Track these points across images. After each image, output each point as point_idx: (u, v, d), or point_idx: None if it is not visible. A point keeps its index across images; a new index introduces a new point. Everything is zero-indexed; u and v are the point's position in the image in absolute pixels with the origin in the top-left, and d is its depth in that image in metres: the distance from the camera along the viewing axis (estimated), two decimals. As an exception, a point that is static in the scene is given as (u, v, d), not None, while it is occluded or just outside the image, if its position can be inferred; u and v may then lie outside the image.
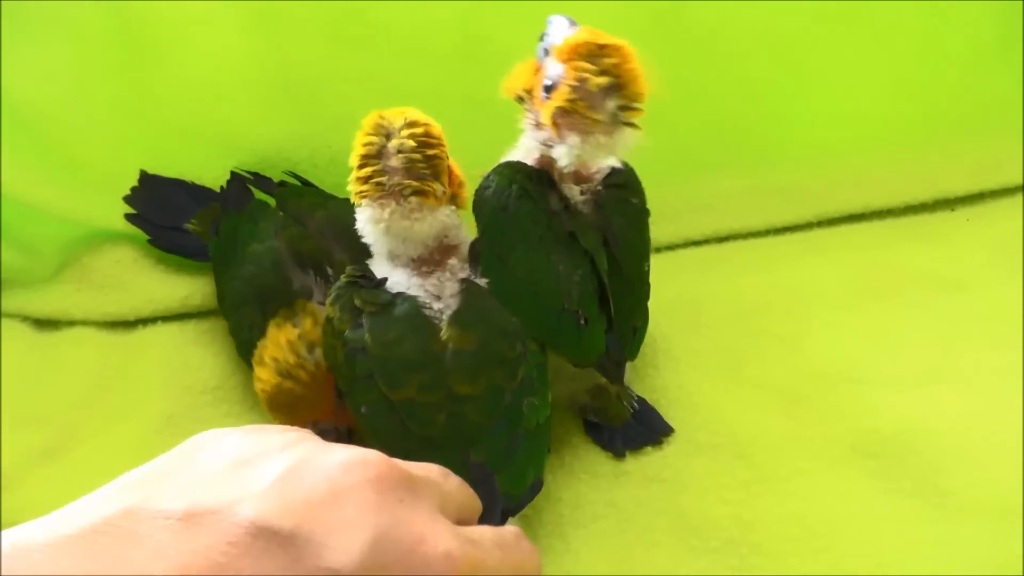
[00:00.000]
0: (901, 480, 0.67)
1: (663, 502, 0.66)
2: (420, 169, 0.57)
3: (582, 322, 0.63)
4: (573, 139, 0.59)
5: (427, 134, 0.58)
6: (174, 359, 0.79)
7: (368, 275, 0.62)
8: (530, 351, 0.61)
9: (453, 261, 0.62)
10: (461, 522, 0.37)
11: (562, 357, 0.66)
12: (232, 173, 0.82)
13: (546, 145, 0.61)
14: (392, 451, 0.58)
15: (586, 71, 0.56)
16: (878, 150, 0.91)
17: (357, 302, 0.59)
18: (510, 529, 0.39)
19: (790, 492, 0.66)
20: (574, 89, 0.56)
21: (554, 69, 0.58)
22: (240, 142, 0.82)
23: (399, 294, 0.60)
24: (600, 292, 0.64)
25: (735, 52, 0.86)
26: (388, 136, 0.58)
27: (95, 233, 0.83)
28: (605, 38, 0.57)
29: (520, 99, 0.62)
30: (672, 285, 0.83)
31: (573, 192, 0.64)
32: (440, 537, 0.34)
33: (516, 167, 0.63)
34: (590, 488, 0.68)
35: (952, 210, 0.91)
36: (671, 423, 0.71)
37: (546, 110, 0.58)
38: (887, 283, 0.82)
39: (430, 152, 0.58)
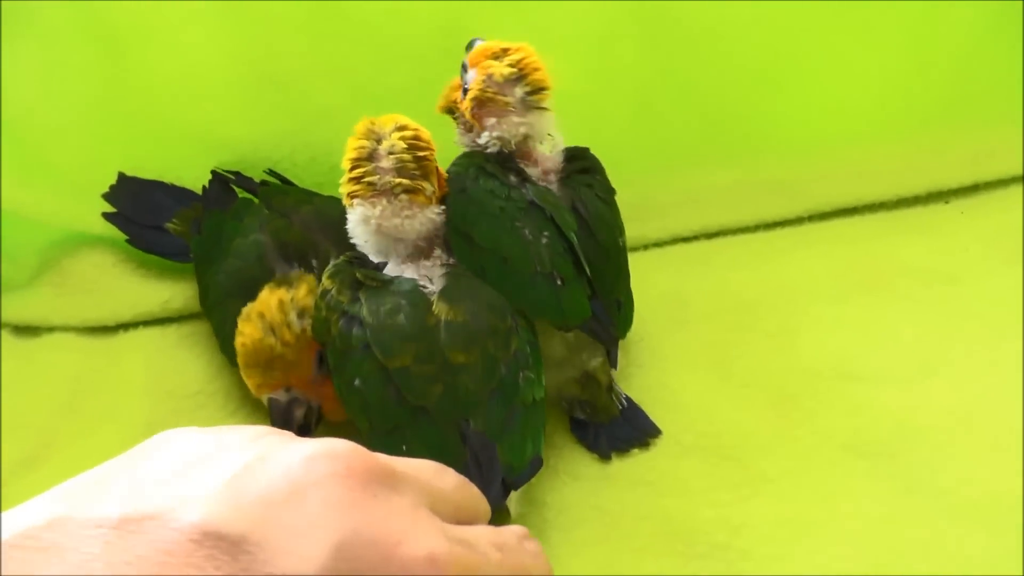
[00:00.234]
0: (894, 480, 0.65)
1: (649, 506, 0.65)
2: (410, 169, 0.61)
3: (558, 283, 0.65)
4: (491, 121, 0.66)
5: (417, 137, 0.61)
6: (155, 364, 0.78)
7: (364, 259, 0.64)
8: (523, 328, 0.63)
9: (438, 251, 0.65)
10: (460, 523, 0.34)
11: (547, 321, 0.66)
12: (213, 173, 0.81)
13: (475, 143, 0.67)
14: (386, 423, 0.59)
15: (492, 67, 0.65)
16: (870, 141, 0.89)
17: (358, 275, 0.61)
18: (513, 529, 0.36)
19: (780, 494, 0.65)
20: (483, 81, 0.65)
21: (469, 75, 0.67)
22: (218, 141, 0.81)
23: (397, 276, 0.62)
24: (573, 256, 0.65)
25: (722, 41, 0.85)
26: (379, 140, 0.61)
27: (73, 236, 0.83)
28: (507, 43, 0.66)
29: (449, 111, 0.70)
30: (659, 282, 0.81)
31: (536, 172, 0.68)
32: (422, 537, 0.31)
33: (471, 155, 0.68)
34: (574, 491, 0.66)
35: (946, 202, 0.89)
36: (658, 424, 0.70)
37: (465, 105, 0.66)
38: (879, 277, 0.81)
39: (420, 154, 0.61)
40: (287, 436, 0.33)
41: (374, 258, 0.64)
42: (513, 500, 0.63)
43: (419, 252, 0.63)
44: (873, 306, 0.78)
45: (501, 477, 0.59)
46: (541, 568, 0.35)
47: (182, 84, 0.80)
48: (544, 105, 0.66)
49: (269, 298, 0.65)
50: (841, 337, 0.76)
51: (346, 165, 0.62)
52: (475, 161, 0.67)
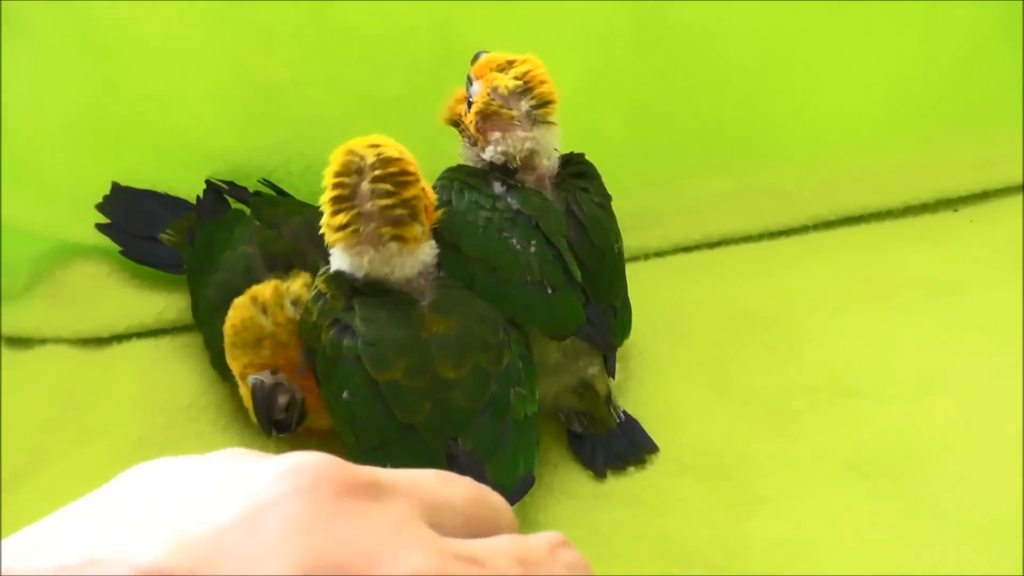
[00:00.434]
0: (896, 500, 0.64)
1: (645, 525, 0.63)
2: (397, 214, 0.56)
3: (549, 291, 0.63)
4: (495, 136, 0.64)
5: (402, 171, 0.56)
6: (147, 377, 0.77)
7: None
8: (514, 340, 0.61)
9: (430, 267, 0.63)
10: (474, 536, 0.30)
11: (539, 330, 0.65)
12: (207, 182, 0.80)
13: (480, 157, 0.66)
14: (373, 439, 0.58)
15: (497, 79, 0.63)
16: (875, 147, 0.87)
17: (355, 283, 0.59)
18: (544, 537, 0.31)
19: (778, 514, 0.63)
20: (488, 94, 0.64)
21: (474, 87, 0.65)
22: (212, 151, 0.80)
23: (392, 288, 0.60)
24: (563, 264, 0.64)
25: (723, 47, 0.83)
26: (360, 173, 0.56)
27: (67, 247, 0.82)
28: (513, 55, 0.64)
29: (454, 124, 0.68)
30: (659, 293, 0.80)
31: (530, 178, 0.67)
32: (406, 555, 0.26)
33: (455, 168, 0.67)
34: (569, 510, 0.65)
35: (955, 211, 0.87)
36: (655, 439, 0.68)
37: (470, 118, 0.65)
38: (884, 288, 0.79)
39: (407, 194, 0.56)
40: (257, 456, 0.30)
41: None
42: (505, 519, 0.62)
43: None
44: (877, 318, 0.77)
45: None
46: None
47: (176, 93, 0.79)
48: (551, 119, 0.65)
49: (264, 286, 0.64)
50: (843, 351, 0.74)
51: (326, 205, 0.57)
52: (458, 175, 0.65)
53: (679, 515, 0.64)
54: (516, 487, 0.59)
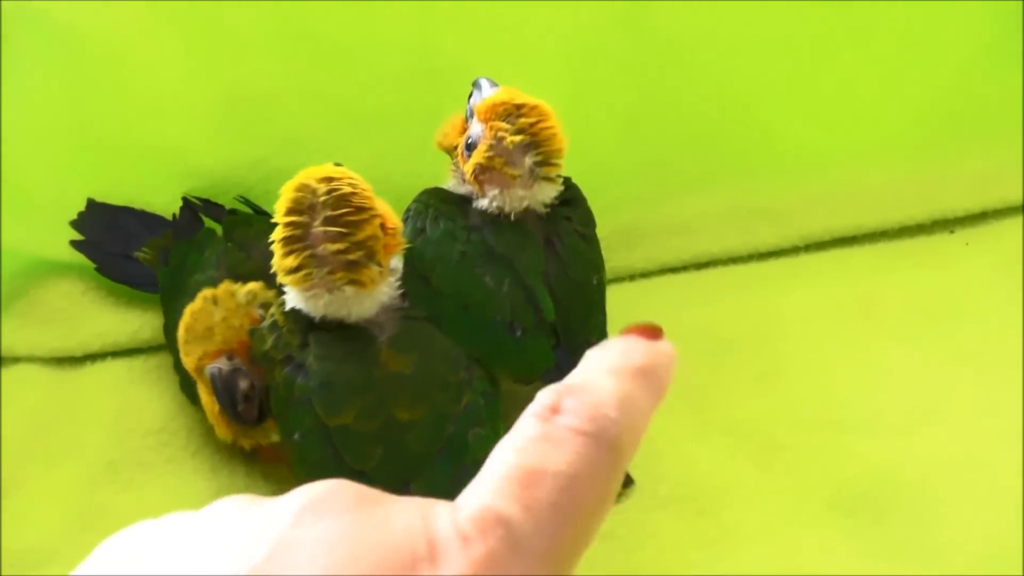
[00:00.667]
0: (881, 541, 0.62)
1: (619, 562, 0.62)
2: (352, 258, 0.53)
3: (518, 333, 0.61)
4: (493, 192, 0.61)
5: (357, 209, 0.53)
6: (119, 399, 0.76)
7: None
8: (477, 378, 0.59)
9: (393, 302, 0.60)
10: None
11: (504, 372, 0.63)
12: (184, 200, 0.78)
13: (471, 196, 0.63)
14: None
15: (502, 130, 0.59)
16: (870, 165, 0.85)
17: (312, 319, 0.56)
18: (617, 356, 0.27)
19: (757, 553, 0.62)
20: (491, 147, 0.59)
21: (475, 128, 0.61)
22: (191, 166, 0.79)
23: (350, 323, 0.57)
24: (535, 305, 0.61)
25: (715, 61, 0.81)
26: (312, 210, 0.52)
27: (42, 265, 0.80)
28: (523, 98, 0.60)
29: (448, 152, 0.65)
30: (642, 316, 0.76)
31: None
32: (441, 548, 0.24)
33: (432, 192, 0.64)
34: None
35: (951, 232, 0.84)
36: (632, 472, 0.66)
37: (468, 167, 0.61)
38: (877, 314, 0.77)
39: (361, 236, 0.53)
40: (263, 498, 0.28)
41: None
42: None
43: None
44: (868, 346, 0.74)
45: None
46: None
47: (154, 108, 0.77)
48: (553, 176, 0.61)
49: (219, 287, 0.63)
50: (831, 380, 0.72)
51: (277, 247, 0.54)
52: (433, 201, 0.63)
53: (653, 551, 0.62)
54: None
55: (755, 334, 0.76)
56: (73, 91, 0.77)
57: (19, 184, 0.78)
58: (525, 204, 0.61)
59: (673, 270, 0.83)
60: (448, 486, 0.56)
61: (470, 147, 0.61)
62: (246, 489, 0.69)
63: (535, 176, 0.60)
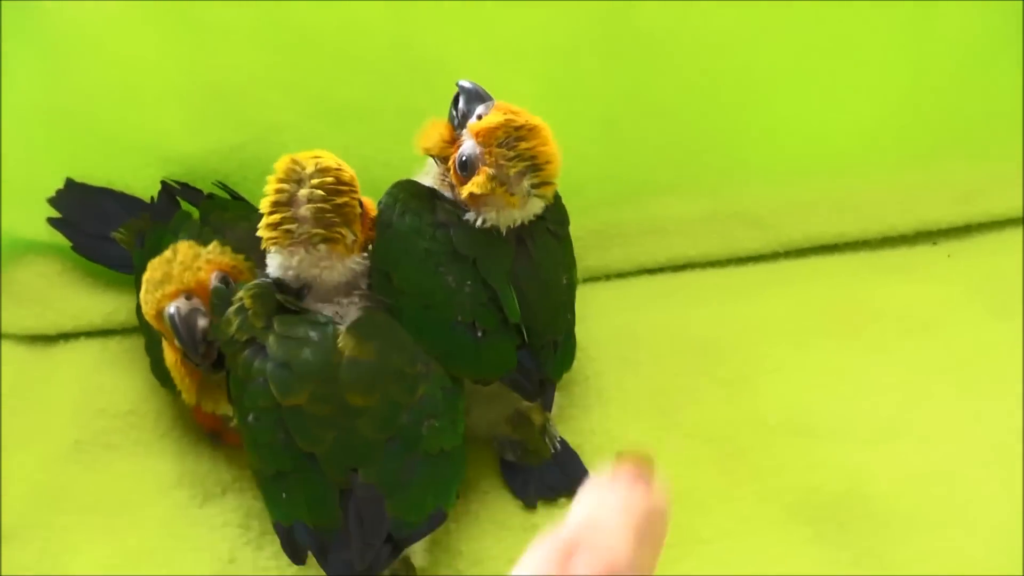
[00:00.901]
0: (842, 550, 0.62)
1: (572, 561, 0.61)
2: (329, 218, 0.57)
3: (479, 334, 0.61)
4: (490, 212, 0.61)
5: (337, 181, 0.58)
6: (90, 379, 0.76)
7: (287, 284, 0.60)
8: (437, 373, 0.60)
9: (358, 291, 0.61)
10: None
11: (462, 374, 0.62)
12: (163, 183, 0.79)
13: (459, 201, 0.62)
14: (270, 467, 0.57)
15: (503, 157, 0.58)
16: (854, 174, 0.84)
17: (279, 297, 0.59)
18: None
19: (713, 558, 0.61)
20: (492, 177, 0.59)
21: (469, 146, 0.60)
22: (168, 152, 0.79)
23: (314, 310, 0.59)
24: (497, 306, 0.61)
25: (696, 62, 0.80)
26: (299, 183, 0.57)
27: (19, 243, 0.81)
28: (522, 119, 0.59)
29: (434, 158, 0.64)
30: (615, 316, 0.78)
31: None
32: None
33: (403, 186, 0.64)
34: (495, 541, 0.63)
35: (934, 244, 0.83)
36: (592, 471, 0.66)
37: (464, 189, 0.60)
38: (852, 323, 0.76)
39: (339, 201, 0.57)
40: None
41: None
42: (418, 552, 0.60)
43: (337, 291, 0.60)
44: (841, 355, 0.74)
45: (387, 533, 0.55)
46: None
47: (135, 94, 0.77)
48: (548, 195, 0.61)
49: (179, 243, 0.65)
50: (801, 387, 0.71)
51: (264, 208, 0.58)
52: (402, 196, 0.62)
53: (607, 553, 0.61)
54: (422, 523, 0.57)
55: (728, 338, 0.75)
56: (56, 75, 0.77)
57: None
58: (519, 221, 0.61)
59: (649, 271, 0.82)
60: (397, 475, 0.56)
61: (464, 166, 0.60)
62: (210, 472, 0.69)
63: (530, 195, 0.60)
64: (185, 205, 0.78)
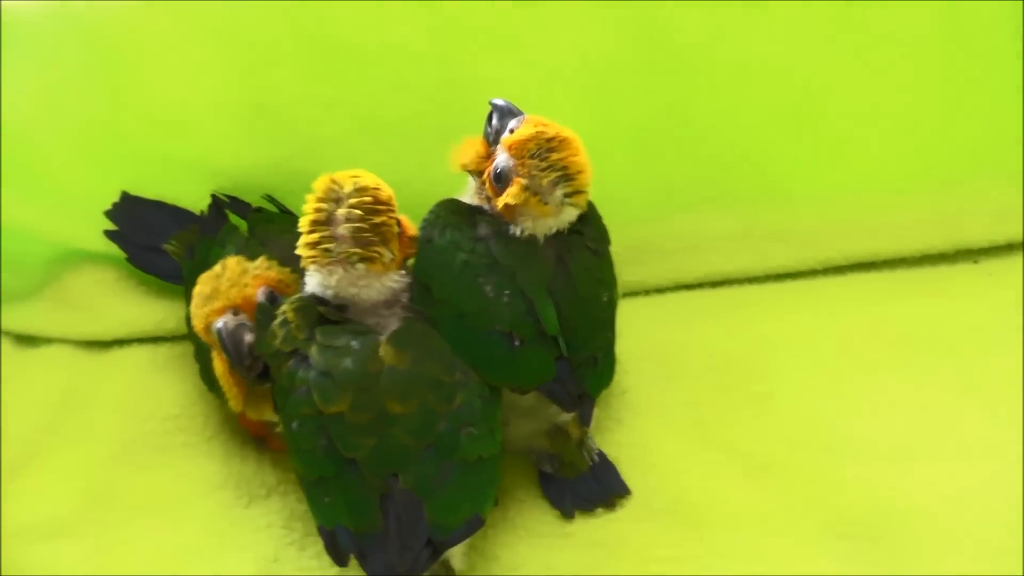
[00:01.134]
0: (875, 567, 0.62)
1: (605, 570, 0.63)
2: (367, 237, 0.59)
3: (516, 343, 0.62)
4: (526, 222, 0.63)
5: (375, 200, 0.59)
6: (140, 383, 0.79)
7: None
8: (475, 381, 0.61)
9: (399, 304, 0.63)
10: None
11: (499, 383, 0.63)
12: (212, 196, 0.81)
13: (497, 215, 0.64)
14: (312, 472, 0.59)
15: (536, 168, 0.60)
16: (893, 191, 0.83)
17: (321, 309, 0.60)
18: None
19: (746, 571, 0.62)
20: (526, 188, 0.61)
21: (502, 159, 0.62)
22: (218, 166, 0.81)
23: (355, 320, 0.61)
24: (536, 317, 0.62)
25: (736, 79, 0.80)
26: (337, 202, 0.59)
27: (77, 252, 0.84)
28: (552, 130, 0.61)
29: (470, 173, 0.66)
30: (653, 331, 0.78)
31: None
32: None
33: (444, 204, 0.66)
34: (530, 548, 0.64)
35: (974, 262, 0.83)
36: (628, 483, 0.67)
37: (499, 201, 0.62)
38: (889, 342, 0.76)
39: (377, 220, 0.59)
40: None
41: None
42: (457, 555, 0.61)
43: (376, 306, 0.61)
44: (876, 374, 0.74)
45: (427, 537, 0.57)
46: None
47: (185, 109, 0.80)
48: (581, 204, 0.63)
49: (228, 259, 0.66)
50: (835, 406, 0.71)
51: (303, 227, 0.60)
52: (443, 213, 0.64)
53: (640, 562, 0.63)
54: (459, 528, 0.59)
55: (764, 354, 0.76)
56: (110, 93, 0.80)
57: (59, 177, 0.82)
58: (554, 229, 0.63)
59: (687, 287, 0.83)
60: (434, 480, 0.57)
61: (499, 178, 0.62)
62: (255, 475, 0.72)
63: (564, 204, 0.62)
64: (233, 218, 0.80)
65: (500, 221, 0.63)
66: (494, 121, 0.64)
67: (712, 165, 0.83)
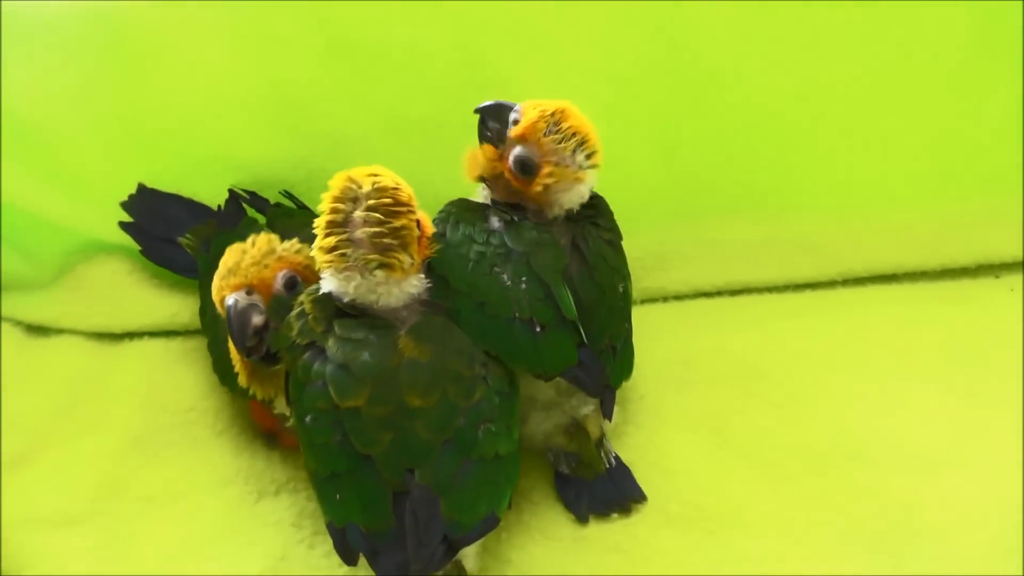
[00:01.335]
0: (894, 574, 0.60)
1: (620, 574, 0.61)
2: (386, 242, 0.57)
3: (537, 329, 0.61)
4: (563, 197, 0.64)
5: (395, 201, 0.57)
6: (153, 376, 0.78)
7: None
8: (494, 376, 0.60)
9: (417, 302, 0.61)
10: None
11: (523, 368, 0.63)
12: (230, 191, 0.81)
13: (542, 216, 0.65)
14: (325, 468, 0.57)
15: (555, 143, 0.63)
16: (916, 203, 0.83)
17: (338, 304, 0.58)
18: None
19: (764, 579, 0.60)
20: (556, 164, 0.63)
21: (519, 150, 0.63)
22: (237, 161, 0.81)
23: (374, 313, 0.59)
24: (554, 303, 0.62)
25: (759, 86, 0.80)
26: (355, 202, 0.57)
27: (92, 243, 0.84)
28: (551, 105, 0.63)
29: (487, 180, 0.66)
30: (671, 337, 0.78)
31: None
32: None
33: (454, 202, 0.66)
34: (544, 552, 0.63)
35: (996, 277, 0.82)
36: (645, 488, 0.66)
37: (535, 186, 0.64)
38: (909, 354, 0.75)
39: (397, 223, 0.57)
40: None
41: None
42: (470, 556, 0.60)
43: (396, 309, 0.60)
44: (896, 385, 0.73)
45: (442, 534, 0.56)
46: None
47: (206, 105, 0.80)
48: (598, 163, 0.65)
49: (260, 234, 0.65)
50: (854, 415, 0.70)
51: (319, 229, 0.58)
52: (455, 210, 0.65)
53: (655, 568, 0.61)
54: (476, 526, 0.57)
55: (784, 363, 0.75)
56: (131, 87, 0.80)
57: (75, 169, 0.82)
58: (585, 195, 0.65)
59: (706, 294, 0.83)
60: (452, 477, 0.56)
61: (525, 168, 0.63)
62: (265, 471, 0.71)
63: (585, 168, 0.64)
64: (252, 212, 0.80)
65: (511, 213, 0.64)
66: (489, 123, 0.65)
67: (735, 173, 0.82)
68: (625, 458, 0.68)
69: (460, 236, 0.62)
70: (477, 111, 0.65)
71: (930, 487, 0.65)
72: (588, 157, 0.63)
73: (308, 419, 0.57)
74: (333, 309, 0.59)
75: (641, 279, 0.72)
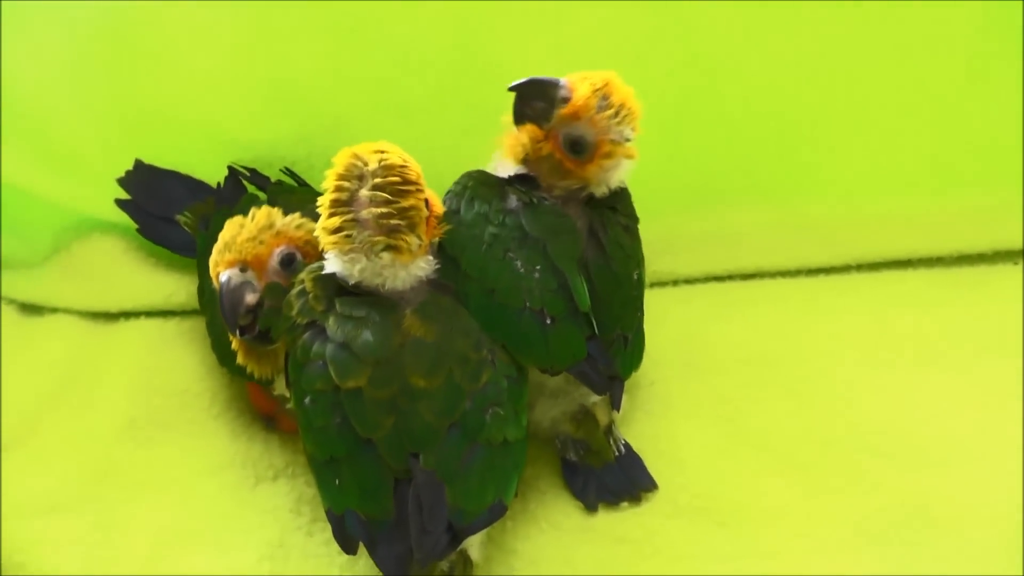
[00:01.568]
0: (908, 569, 0.59)
1: (628, 567, 0.60)
2: (393, 223, 0.54)
3: (547, 321, 0.59)
4: (614, 175, 0.63)
5: (403, 180, 0.54)
6: (148, 357, 0.77)
7: None
8: (502, 361, 0.58)
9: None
10: None
11: (530, 362, 0.61)
12: (229, 168, 0.79)
13: (588, 193, 0.63)
14: (323, 452, 0.55)
15: (608, 120, 0.60)
16: (932, 188, 0.82)
17: (340, 281, 0.56)
18: None
19: (774, 570, 0.59)
20: (614, 138, 0.61)
21: (574, 128, 0.61)
22: (235, 140, 0.79)
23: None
24: (567, 294, 0.60)
25: (768, 71, 0.79)
26: (361, 180, 0.54)
27: (86, 221, 0.82)
28: (597, 77, 0.61)
29: (537, 162, 0.63)
30: (682, 322, 0.76)
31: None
32: None
33: (472, 175, 0.63)
34: (551, 542, 0.62)
35: (1015, 263, 0.81)
36: (655, 477, 0.64)
37: (593, 167, 0.62)
38: (924, 342, 0.74)
39: (405, 204, 0.54)
40: None
41: None
42: (475, 545, 0.58)
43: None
44: (911, 374, 0.71)
45: (447, 522, 0.54)
46: None
47: (205, 83, 0.78)
48: (636, 131, 0.63)
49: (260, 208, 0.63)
50: (869, 405, 0.69)
51: (323, 208, 0.55)
52: (471, 183, 0.62)
53: (665, 560, 0.60)
54: (482, 514, 0.56)
55: (796, 350, 0.73)
56: (129, 64, 0.78)
57: (71, 146, 0.80)
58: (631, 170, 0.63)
59: (718, 279, 0.81)
60: (458, 462, 0.54)
61: (580, 148, 0.61)
62: (263, 456, 0.69)
63: (631, 140, 0.62)
64: (251, 190, 0.78)
65: (531, 193, 0.61)
66: (533, 101, 0.61)
67: (747, 156, 0.80)
68: (635, 446, 0.66)
69: (474, 215, 0.60)
70: (512, 88, 0.61)
71: (944, 479, 0.63)
72: (633, 130, 0.61)
73: (307, 401, 0.55)
74: (335, 288, 0.57)
75: (651, 263, 0.70)
